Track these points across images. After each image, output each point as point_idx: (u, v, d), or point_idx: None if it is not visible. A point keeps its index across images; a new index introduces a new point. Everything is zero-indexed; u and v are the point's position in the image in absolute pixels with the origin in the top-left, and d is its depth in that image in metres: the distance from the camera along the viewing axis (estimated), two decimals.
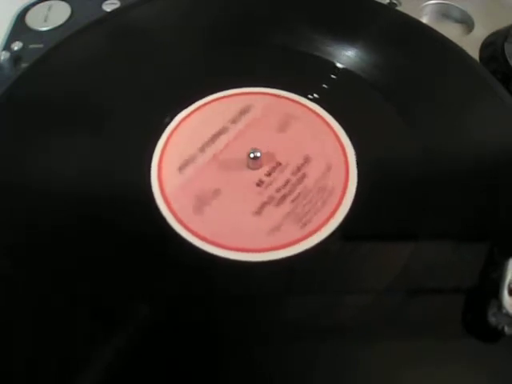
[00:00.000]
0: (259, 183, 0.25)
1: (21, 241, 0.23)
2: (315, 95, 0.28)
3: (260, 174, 0.25)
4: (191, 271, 0.23)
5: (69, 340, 0.20)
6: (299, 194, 0.25)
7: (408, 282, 0.22)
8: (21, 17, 0.35)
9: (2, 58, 0.31)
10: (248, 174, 0.25)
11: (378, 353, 0.20)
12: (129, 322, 0.21)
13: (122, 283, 0.22)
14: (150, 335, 0.21)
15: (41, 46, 0.33)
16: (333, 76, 0.29)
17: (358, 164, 0.26)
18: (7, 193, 0.24)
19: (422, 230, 0.23)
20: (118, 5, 0.35)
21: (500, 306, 0.20)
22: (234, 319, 0.21)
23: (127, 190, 0.25)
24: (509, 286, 0.20)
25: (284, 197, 0.25)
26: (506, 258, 0.21)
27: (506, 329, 0.20)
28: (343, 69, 0.30)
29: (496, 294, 0.20)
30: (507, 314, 0.20)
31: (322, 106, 0.28)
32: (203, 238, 0.23)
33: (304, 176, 0.25)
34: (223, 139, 0.27)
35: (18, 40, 0.33)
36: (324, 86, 0.29)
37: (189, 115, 0.28)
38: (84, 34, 0.30)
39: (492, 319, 0.20)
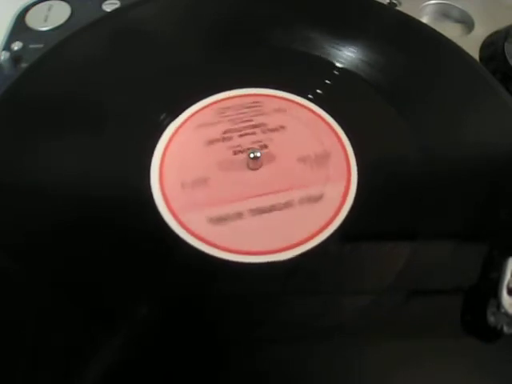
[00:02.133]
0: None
1: (20, 241, 0.23)
2: (315, 95, 0.28)
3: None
4: (191, 272, 0.23)
5: (68, 340, 0.20)
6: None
7: (408, 282, 0.22)
8: (21, 17, 0.35)
9: (2, 57, 0.31)
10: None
11: (378, 353, 0.20)
12: (128, 321, 0.21)
13: (122, 283, 0.22)
14: (150, 335, 0.21)
15: (41, 45, 0.33)
16: (333, 76, 0.29)
17: (357, 164, 0.26)
18: (7, 193, 0.24)
19: (421, 230, 0.23)
20: (117, 5, 0.35)
21: (499, 305, 0.20)
22: (233, 320, 0.21)
23: (127, 190, 0.25)
24: (508, 285, 0.20)
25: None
26: (505, 258, 0.21)
27: (505, 328, 0.20)
28: (343, 69, 0.30)
29: (495, 293, 0.20)
30: (506, 314, 0.20)
31: (321, 106, 0.28)
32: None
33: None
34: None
35: (18, 40, 0.33)
36: (324, 85, 0.29)
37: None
38: (84, 34, 0.30)
39: (491, 319, 0.20)
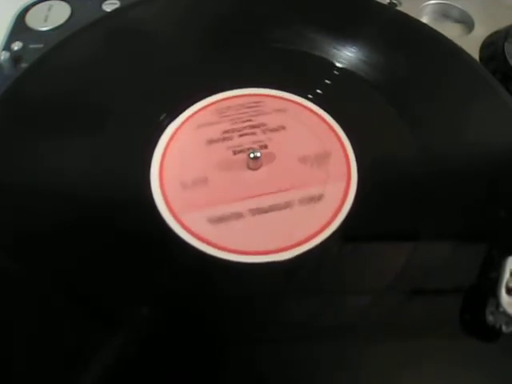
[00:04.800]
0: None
1: (21, 241, 0.23)
2: (315, 95, 0.28)
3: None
4: (191, 272, 0.23)
5: (68, 340, 0.20)
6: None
7: (408, 282, 0.22)
8: (21, 17, 0.35)
9: (2, 57, 0.31)
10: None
11: (378, 353, 0.20)
12: (128, 321, 0.21)
13: (122, 283, 0.22)
14: (150, 335, 0.21)
15: (41, 45, 0.33)
16: (333, 76, 0.29)
17: (357, 164, 0.26)
18: (7, 193, 0.24)
19: (421, 230, 0.23)
20: (117, 5, 0.35)
21: (498, 304, 0.20)
22: (233, 320, 0.21)
23: (127, 190, 0.25)
24: (506, 285, 0.20)
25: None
26: (504, 258, 0.21)
27: (504, 327, 0.20)
28: (343, 69, 0.30)
29: (494, 293, 0.20)
30: (505, 313, 0.20)
31: (321, 106, 0.28)
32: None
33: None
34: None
35: (18, 40, 0.33)
36: (324, 85, 0.29)
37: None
38: (84, 33, 0.30)
39: (490, 318, 0.20)
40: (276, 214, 0.24)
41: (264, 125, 0.27)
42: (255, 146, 0.26)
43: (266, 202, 0.24)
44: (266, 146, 0.26)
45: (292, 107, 0.28)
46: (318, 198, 0.25)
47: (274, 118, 0.27)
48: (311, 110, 0.28)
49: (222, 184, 0.25)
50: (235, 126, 0.27)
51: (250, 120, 0.27)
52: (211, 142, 0.27)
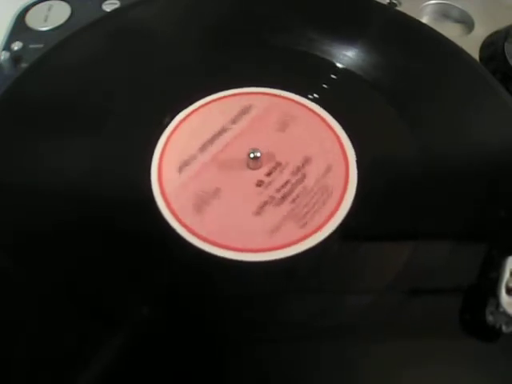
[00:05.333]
0: (259, 183, 0.25)
1: (21, 241, 0.23)
2: (315, 95, 0.28)
3: (260, 174, 0.25)
4: (191, 271, 0.23)
5: (68, 340, 0.20)
6: (299, 194, 0.25)
7: (408, 282, 0.22)
8: (21, 17, 0.35)
9: (2, 57, 0.31)
10: (248, 174, 0.25)
11: (378, 353, 0.20)
12: (128, 321, 0.21)
13: (122, 283, 0.22)
14: (150, 335, 0.21)
15: (41, 45, 0.33)
16: (333, 76, 0.29)
17: (357, 164, 0.26)
18: (7, 193, 0.24)
19: (421, 230, 0.23)
20: (117, 5, 0.35)
21: (498, 304, 0.20)
22: (233, 319, 0.21)
23: (127, 190, 0.25)
24: (506, 285, 0.20)
25: (284, 197, 0.25)
26: (504, 258, 0.21)
27: (504, 327, 0.20)
28: (343, 69, 0.30)
29: (494, 293, 0.20)
30: (505, 313, 0.20)
31: (321, 106, 0.28)
32: (203, 238, 0.23)
33: (304, 176, 0.25)
34: (223, 139, 0.27)
35: (18, 40, 0.33)
36: (324, 86, 0.29)
37: (189, 115, 0.28)
38: (84, 33, 0.30)
39: (490, 318, 0.20)
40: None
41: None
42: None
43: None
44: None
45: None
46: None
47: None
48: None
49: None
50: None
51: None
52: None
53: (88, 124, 0.27)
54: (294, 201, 0.24)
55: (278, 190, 0.25)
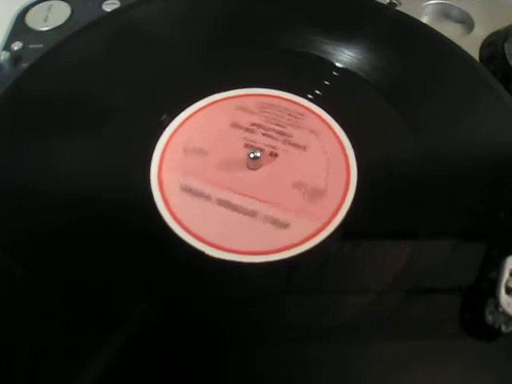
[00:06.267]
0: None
1: (21, 241, 0.23)
2: (315, 95, 0.28)
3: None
4: (190, 272, 0.23)
5: (68, 340, 0.20)
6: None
7: (407, 282, 0.22)
8: (21, 17, 0.35)
9: (2, 57, 0.31)
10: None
11: (378, 353, 0.20)
12: (128, 321, 0.21)
13: (122, 283, 0.22)
14: (150, 335, 0.21)
15: (41, 46, 0.33)
16: (333, 76, 0.29)
17: (357, 164, 0.26)
18: (7, 193, 0.24)
19: (421, 230, 0.23)
20: (117, 5, 0.35)
21: (497, 304, 0.20)
22: (233, 320, 0.21)
23: (127, 191, 0.25)
24: (506, 284, 0.20)
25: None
26: (504, 258, 0.21)
27: (503, 327, 0.20)
28: (343, 69, 0.30)
29: (493, 293, 0.20)
30: (504, 313, 0.20)
31: (321, 106, 0.28)
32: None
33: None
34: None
35: (18, 40, 0.33)
36: (324, 86, 0.29)
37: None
38: (84, 33, 0.30)
39: (489, 318, 0.20)
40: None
41: (290, 136, 0.27)
42: (268, 149, 0.26)
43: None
44: (276, 155, 0.26)
45: (326, 134, 0.27)
46: (282, 225, 0.24)
47: (304, 135, 0.27)
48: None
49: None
50: (265, 124, 0.27)
51: (281, 126, 0.27)
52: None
53: (88, 124, 0.27)
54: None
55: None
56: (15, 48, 0.33)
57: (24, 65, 0.32)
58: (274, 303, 0.22)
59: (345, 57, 0.30)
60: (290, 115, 0.28)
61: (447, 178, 0.25)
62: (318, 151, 0.26)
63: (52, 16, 0.35)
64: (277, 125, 0.27)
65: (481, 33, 0.34)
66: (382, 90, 0.28)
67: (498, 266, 0.21)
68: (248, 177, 0.25)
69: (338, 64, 0.30)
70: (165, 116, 0.27)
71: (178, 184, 0.25)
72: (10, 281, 0.22)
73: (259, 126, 0.27)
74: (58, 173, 0.25)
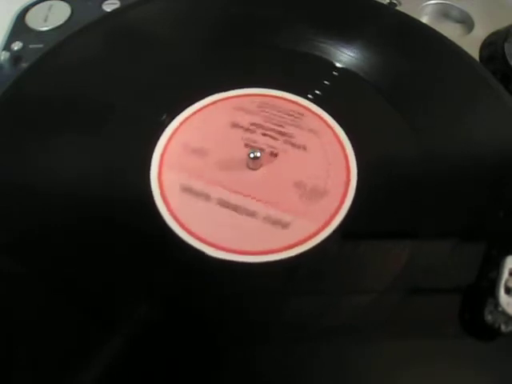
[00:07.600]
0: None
1: (20, 240, 0.23)
2: (315, 95, 0.28)
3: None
4: (190, 272, 0.23)
5: (67, 340, 0.20)
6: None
7: (407, 282, 0.22)
8: (21, 17, 0.35)
9: (2, 58, 0.32)
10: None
11: (378, 353, 0.20)
12: (128, 321, 0.21)
13: (122, 283, 0.22)
14: (150, 335, 0.21)
15: (41, 46, 0.33)
16: (333, 76, 0.29)
17: (357, 164, 0.26)
18: (7, 193, 0.24)
19: (420, 230, 0.23)
20: (117, 5, 0.35)
21: (496, 304, 0.20)
22: (233, 320, 0.21)
23: (127, 191, 0.25)
24: (505, 284, 0.20)
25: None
26: (503, 257, 0.21)
27: (503, 327, 0.20)
28: (343, 69, 0.30)
29: (493, 292, 0.20)
30: (503, 313, 0.20)
31: (321, 106, 0.28)
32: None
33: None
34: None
35: (18, 40, 0.33)
36: (324, 85, 0.29)
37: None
38: (84, 33, 0.30)
39: (489, 317, 0.20)
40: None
41: (290, 136, 0.27)
42: (267, 149, 0.26)
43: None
44: (276, 155, 0.26)
45: (326, 134, 0.27)
46: (282, 225, 0.24)
47: (303, 135, 0.27)
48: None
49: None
50: (265, 124, 0.27)
51: (281, 126, 0.27)
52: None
53: (88, 124, 0.27)
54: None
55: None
56: (15, 48, 0.33)
57: (24, 65, 0.32)
58: (274, 303, 0.22)
59: (345, 57, 0.30)
60: (289, 115, 0.28)
61: (447, 178, 0.25)
62: (318, 151, 0.26)
63: (52, 16, 0.35)
64: (277, 125, 0.27)
65: (481, 33, 0.34)
66: (381, 90, 0.28)
67: (498, 266, 0.21)
68: (248, 177, 0.25)
69: (337, 64, 0.30)
70: (165, 116, 0.27)
71: (178, 184, 0.25)
72: (9, 281, 0.22)
73: (259, 125, 0.27)
74: (57, 173, 0.25)
